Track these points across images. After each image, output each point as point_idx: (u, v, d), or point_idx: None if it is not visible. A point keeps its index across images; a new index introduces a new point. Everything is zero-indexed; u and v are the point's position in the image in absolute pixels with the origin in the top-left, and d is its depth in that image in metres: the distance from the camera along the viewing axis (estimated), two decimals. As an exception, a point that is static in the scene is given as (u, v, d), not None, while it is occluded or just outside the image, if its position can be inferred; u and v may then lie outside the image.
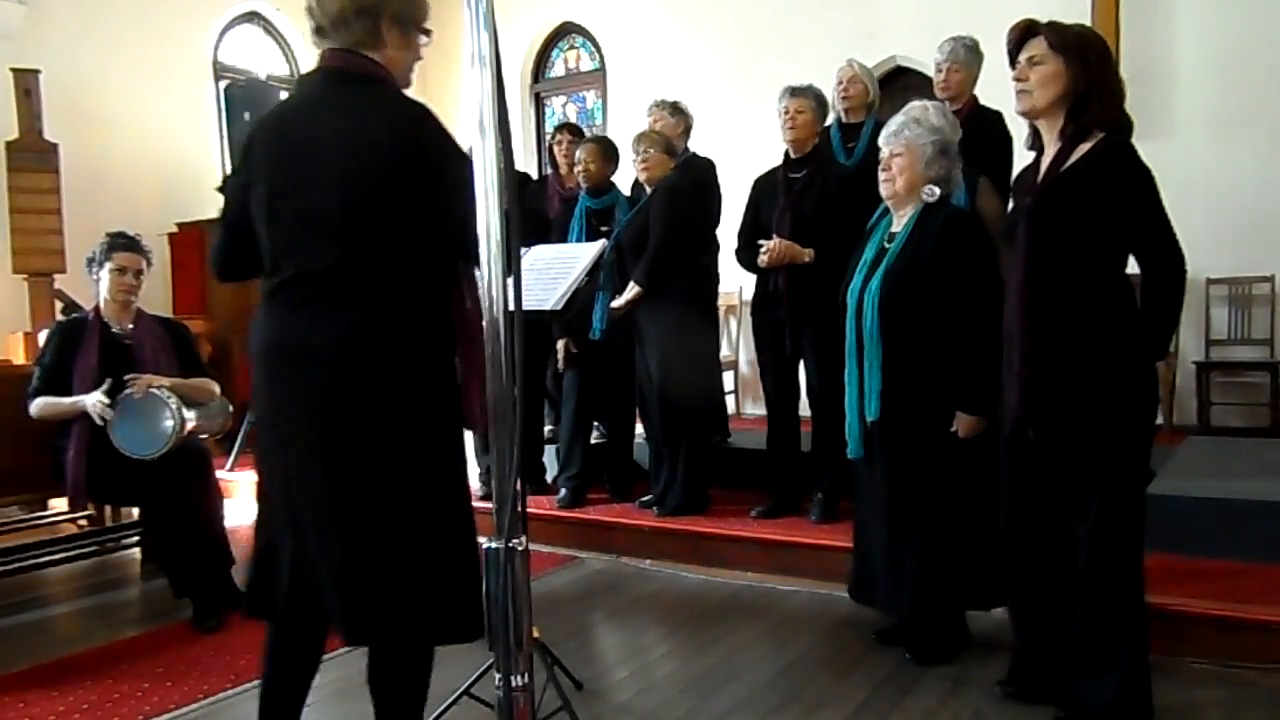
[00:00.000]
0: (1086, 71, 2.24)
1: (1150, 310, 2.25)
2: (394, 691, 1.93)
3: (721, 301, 4.99)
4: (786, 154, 3.93)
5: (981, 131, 3.52)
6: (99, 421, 3.33)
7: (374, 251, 1.80)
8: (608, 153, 4.51)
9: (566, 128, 5.08)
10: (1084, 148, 2.25)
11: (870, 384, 2.80)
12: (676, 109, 4.80)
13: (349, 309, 1.79)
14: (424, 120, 1.84)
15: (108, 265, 3.53)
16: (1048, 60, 2.26)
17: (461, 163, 1.80)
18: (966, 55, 3.79)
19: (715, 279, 4.65)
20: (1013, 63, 2.36)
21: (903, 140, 2.82)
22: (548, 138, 5.43)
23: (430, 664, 1.96)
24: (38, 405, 3.44)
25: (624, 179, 4.68)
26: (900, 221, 2.87)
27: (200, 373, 3.70)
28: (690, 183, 4.39)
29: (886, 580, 2.87)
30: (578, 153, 4.48)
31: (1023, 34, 2.34)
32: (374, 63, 1.88)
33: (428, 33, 1.97)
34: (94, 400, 3.34)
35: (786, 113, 3.84)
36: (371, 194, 1.78)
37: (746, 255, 3.95)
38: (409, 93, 1.98)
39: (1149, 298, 2.25)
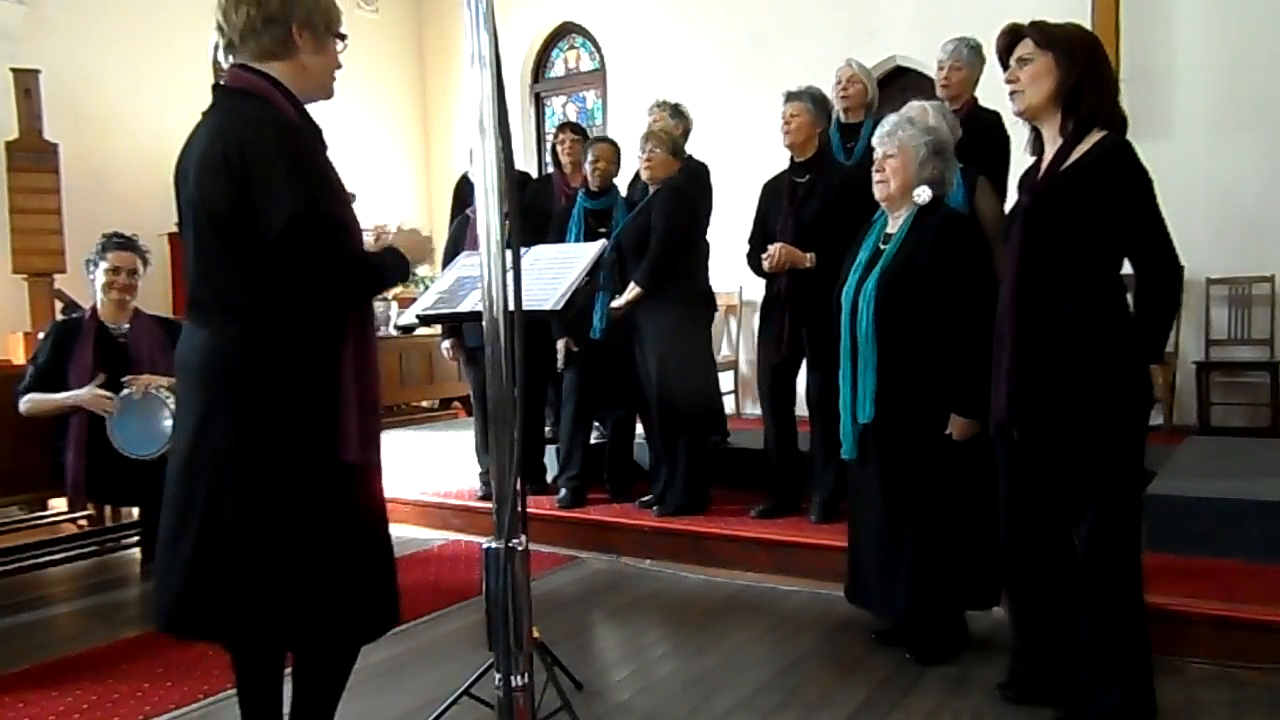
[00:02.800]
0: (1075, 65, 2.23)
1: (1145, 313, 2.24)
2: (309, 689, 2.01)
3: (721, 301, 5.00)
4: (791, 157, 3.93)
5: (978, 132, 3.52)
6: (102, 414, 3.34)
7: (239, 271, 1.79)
8: (619, 154, 4.56)
9: (569, 126, 5.10)
10: (1083, 147, 2.24)
11: (865, 385, 2.80)
12: (677, 111, 4.82)
13: (222, 331, 1.82)
14: (260, 130, 1.77)
15: (102, 265, 3.54)
16: (1036, 57, 2.27)
17: (277, 177, 1.74)
18: (969, 55, 3.79)
19: (707, 280, 4.66)
20: (1005, 67, 2.37)
21: (896, 141, 2.82)
22: (549, 137, 5.44)
23: (348, 669, 2.01)
24: (26, 402, 3.44)
25: (622, 180, 4.69)
26: (895, 223, 2.87)
27: None
28: (690, 185, 4.39)
29: (881, 582, 2.87)
30: (590, 152, 4.50)
31: (1010, 38, 2.35)
32: (259, 76, 1.84)
33: (342, 38, 1.95)
34: (92, 393, 3.34)
35: (783, 117, 3.85)
36: (220, 212, 1.77)
37: (755, 260, 3.95)
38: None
39: (1143, 300, 2.25)
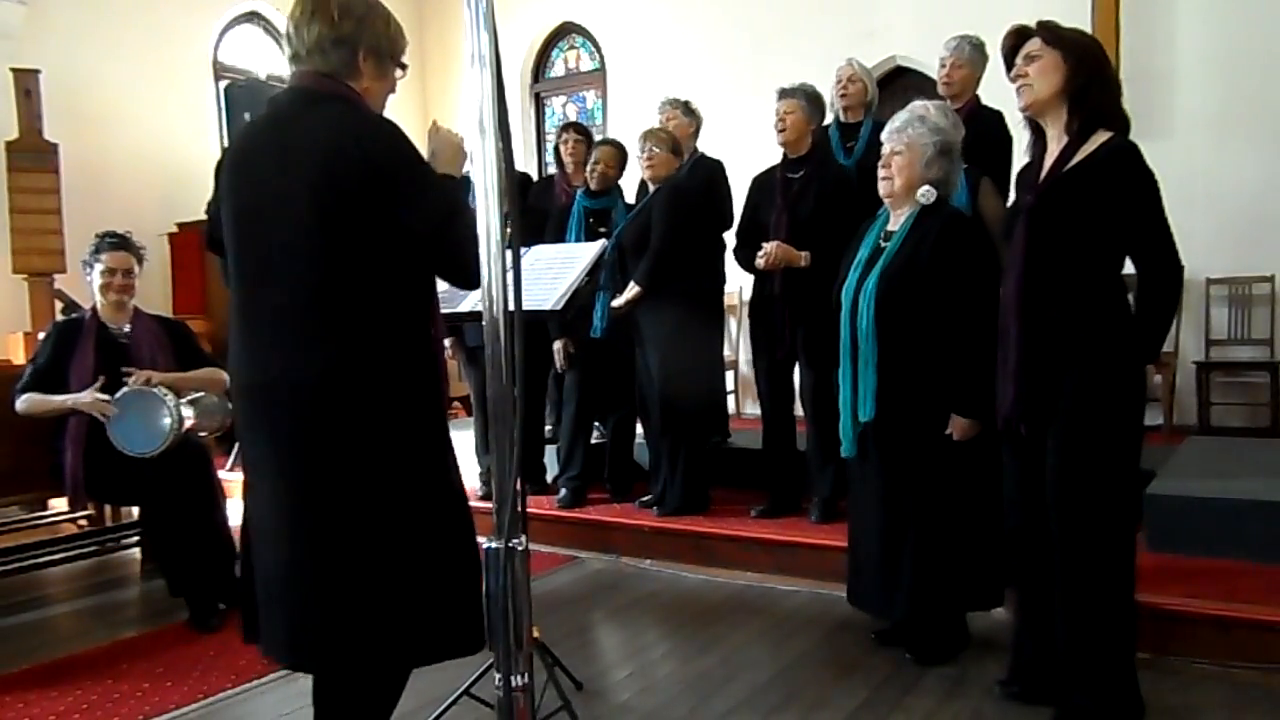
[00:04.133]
0: (1084, 63, 2.24)
1: (1145, 313, 2.25)
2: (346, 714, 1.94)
3: (722, 301, 4.99)
4: (784, 154, 3.93)
5: (981, 131, 3.51)
6: (101, 418, 3.33)
7: (344, 274, 1.76)
8: (623, 157, 4.56)
9: (572, 127, 5.10)
10: (1089, 148, 2.24)
11: (865, 384, 2.79)
12: (689, 109, 4.82)
13: (321, 343, 1.76)
14: (391, 135, 1.80)
15: (98, 267, 3.53)
16: (1045, 53, 2.27)
17: (425, 177, 1.81)
18: (972, 53, 3.78)
19: (722, 279, 4.66)
20: (1009, 68, 2.37)
21: (905, 138, 2.81)
22: (552, 137, 5.44)
23: (394, 692, 1.97)
24: (24, 401, 3.43)
25: (626, 180, 4.68)
26: (898, 220, 2.86)
27: (205, 363, 3.69)
28: (699, 183, 4.40)
29: (881, 581, 2.87)
30: (594, 153, 4.50)
31: (1016, 38, 2.36)
32: (345, 85, 1.86)
33: (404, 67, 1.98)
34: (92, 397, 3.34)
35: (777, 114, 3.85)
36: (339, 211, 1.74)
37: (744, 256, 3.95)
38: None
39: (1144, 301, 2.25)
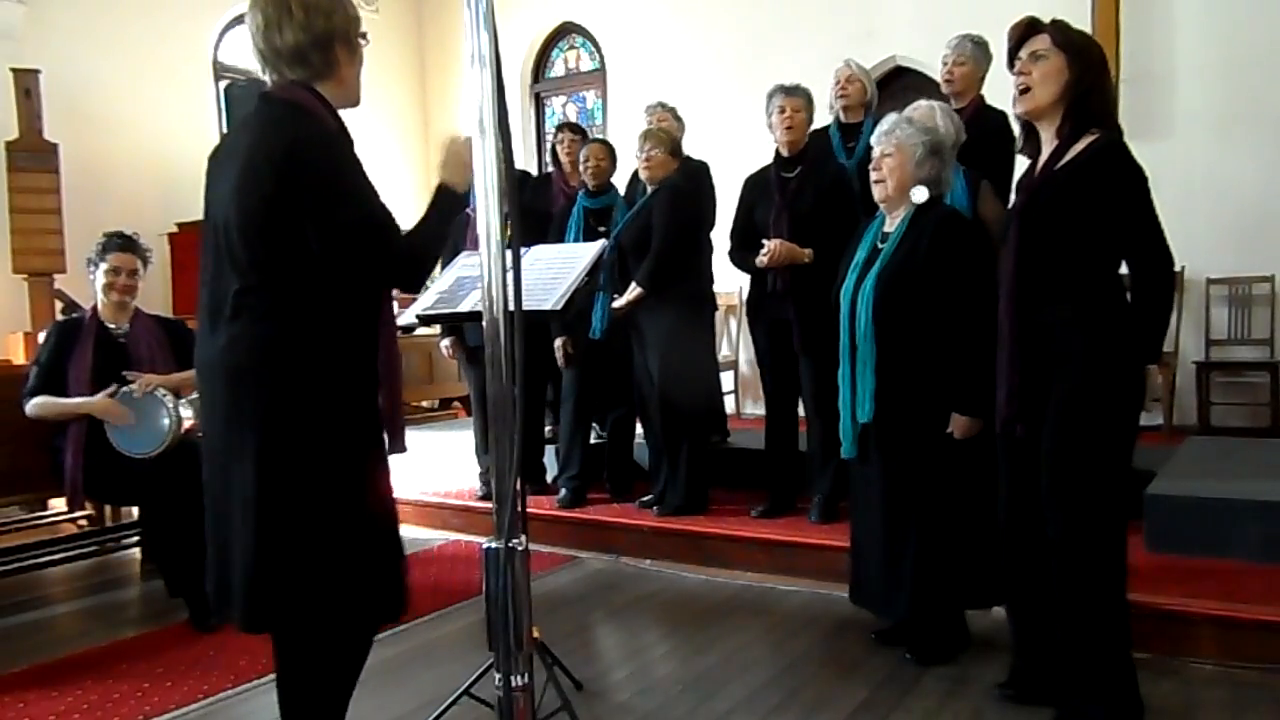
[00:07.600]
0: (1088, 71, 2.24)
1: (1140, 311, 2.24)
2: (292, 680, 1.98)
3: (721, 301, 5.01)
4: (778, 153, 3.94)
5: (985, 131, 3.50)
6: (119, 424, 3.34)
7: (271, 271, 1.81)
8: (613, 153, 4.59)
9: (568, 126, 5.12)
10: (1077, 147, 2.24)
11: (864, 385, 2.79)
12: (676, 115, 4.85)
13: (251, 330, 1.83)
14: (301, 139, 1.81)
15: (102, 266, 3.53)
16: (1051, 55, 2.26)
17: (335, 177, 1.80)
18: (973, 51, 3.77)
19: (710, 280, 4.67)
20: (1012, 61, 2.36)
21: (894, 140, 2.81)
22: (549, 137, 5.45)
23: (332, 658, 1.98)
24: (35, 404, 3.43)
25: (619, 179, 4.70)
26: (893, 222, 2.87)
27: None
28: (692, 185, 4.40)
29: (883, 581, 2.87)
30: (583, 151, 4.52)
31: (1025, 31, 2.34)
32: (303, 89, 1.87)
33: (364, 36, 2.00)
34: (105, 401, 3.34)
35: (783, 112, 3.85)
36: (257, 213, 1.79)
37: (741, 256, 3.95)
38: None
39: (1138, 298, 2.24)
